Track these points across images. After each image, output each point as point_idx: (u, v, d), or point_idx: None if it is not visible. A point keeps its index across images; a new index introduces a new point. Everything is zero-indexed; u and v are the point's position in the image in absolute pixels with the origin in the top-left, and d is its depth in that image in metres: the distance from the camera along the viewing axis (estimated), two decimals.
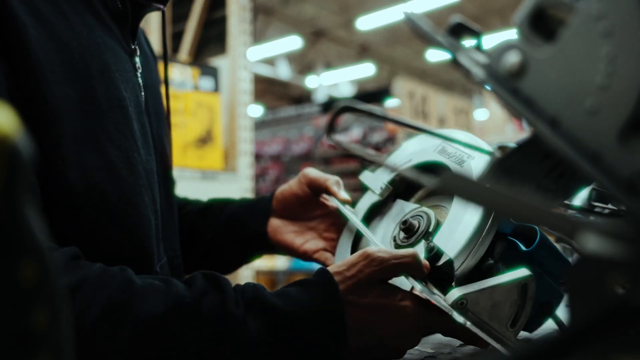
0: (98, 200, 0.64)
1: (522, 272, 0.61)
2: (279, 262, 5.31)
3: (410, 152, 0.80)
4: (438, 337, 0.85)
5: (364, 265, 0.62)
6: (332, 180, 0.86)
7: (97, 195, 0.64)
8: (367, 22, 9.78)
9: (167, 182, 0.84)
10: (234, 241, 0.93)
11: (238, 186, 2.60)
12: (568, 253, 1.18)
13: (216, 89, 2.61)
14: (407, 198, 0.81)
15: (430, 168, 0.75)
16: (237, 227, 0.93)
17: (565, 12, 0.35)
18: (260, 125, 6.87)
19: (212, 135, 2.58)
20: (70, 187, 0.62)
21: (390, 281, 0.64)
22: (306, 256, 0.88)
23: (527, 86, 0.36)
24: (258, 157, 6.62)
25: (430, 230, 0.69)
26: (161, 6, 0.80)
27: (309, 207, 0.89)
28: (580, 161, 0.33)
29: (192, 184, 2.34)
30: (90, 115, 0.65)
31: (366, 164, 0.78)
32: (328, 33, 10.85)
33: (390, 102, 6.02)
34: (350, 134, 5.96)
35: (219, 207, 0.96)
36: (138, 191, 0.69)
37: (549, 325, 0.73)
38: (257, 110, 11.54)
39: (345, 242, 0.83)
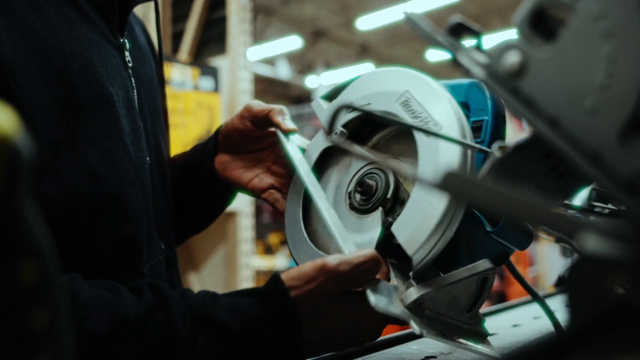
0: (74, 204, 0.62)
1: (483, 265, 0.59)
2: (278, 262, 5.31)
3: (370, 92, 0.71)
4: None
5: (324, 280, 0.58)
6: (275, 110, 0.78)
7: (73, 199, 0.62)
8: (367, 22, 9.77)
9: (164, 178, 0.81)
10: (194, 188, 0.88)
11: None
12: (568, 253, 1.17)
13: (216, 89, 2.61)
14: (361, 140, 0.73)
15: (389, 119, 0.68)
16: (194, 171, 0.88)
17: (565, 12, 0.35)
18: None
19: None
20: (42, 192, 0.60)
21: None
22: (255, 194, 0.83)
23: (527, 86, 0.36)
24: None
25: (389, 196, 0.65)
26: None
27: (255, 139, 0.82)
28: (580, 161, 0.33)
29: None
30: (68, 116, 0.63)
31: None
32: (328, 33, 10.85)
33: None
34: None
35: (179, 158, 0.92)
36: (123, 190, 0.66)
37: (550, 325, 0.73)
38: None
39: (295, 196, 0.76)
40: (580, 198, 0.76)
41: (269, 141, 0.82)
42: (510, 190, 0.30)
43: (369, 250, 0.59)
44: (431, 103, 0.62)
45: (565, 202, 0.65)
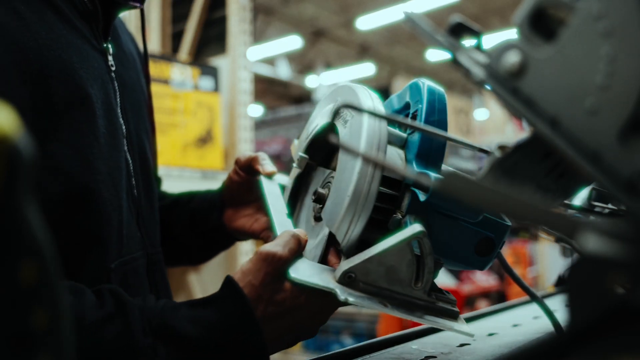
0: (44, 201, 0.62)
1: (411, 230, 0.58)
2: None
3: (316, 116, 0.77)
4: (438, 337, 0.85)
5: (267, 265, 0.61)
6: (255, 158, 0.87)
7: (42, 195, 0.63)
8: (367, 22, 9.77)
9: (148, 179, 0.84)
10: (198, 235, 0.96)
11: None
12: (568, 253, 1.18)
13: (216, 88, 2.61)
14: (327, 164, 0.78)
15: (330, 130, 0.72)
16: (200, 222, 0.95)
17: (565, 12, 0.35)
18: (260, 125, 6.86)
19: (212, 135, 2.58)
20: None
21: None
22: (255, 235, 0.90)
23: (527, 86, 0.36)
24: None
25: None
26: (138, 4, 0.79)
27: (251, 189, 0.90)
28: (580, 161, 0.33)
29: (192, 184, 2.34)
30: (42, 116, 0.64)
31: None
32: (328, 33, 10.85)
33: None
34: None
35: (185, 202, 0.98)
36: (92, 186, 0.67)
37: (548, 326, 0.73)
38: (257, 110, 11.54)
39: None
40: (580, 198, 0.76)
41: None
42: (510, 190, 0.30)
43: (290, 230, 0.64)
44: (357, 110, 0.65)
45: (565, 202, 0.65)
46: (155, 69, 2.31)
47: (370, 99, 0.65)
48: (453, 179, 0.31)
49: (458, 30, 0.40)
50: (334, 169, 0.69)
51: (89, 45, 0.73)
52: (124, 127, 0.77)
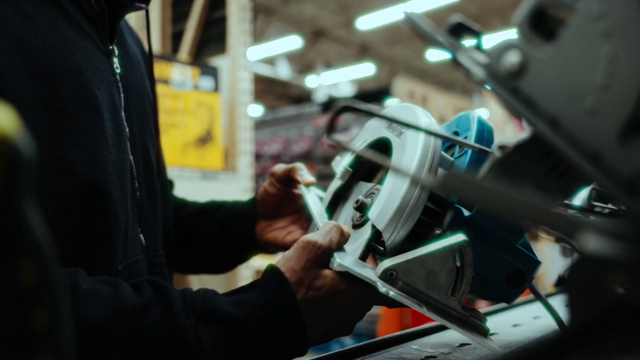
0: (53, 200, 0.63)
1: (456, 238, 0.59)
2: None
3: (367, 131, 0.80)
4: (438, 337, 0.85)
5: (307, 252, 0.63)
6: (296, 167, 0.88)
7: (51, 195, 0.63)
8: (367, 22, 9.77)
9: (150, 181, 0.84)
10: (228, 243, 0.96)
11: (238, 186, 2.60)
12: (568, 253, 1.18)
13: (216, 88, 2.61)
14: (370, 179, 0.81)
15: (382, 144, 0.74)
16: (231, 231, 0.96)
17: (565, 12, 0.35)
18: (260, 125, 6.86)
19: (212, 135, 2.58)
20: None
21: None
22: (287, 248, 0.87)
23: (527, 86, 0.36)
24: (258, 156, 6.61)
25: None
26: (143, 5, 0.79)
27: (287, 202, 0.92)
28: (580, 161, 0.33)
29: (192, 184, 2.34)
30: (53, 116, 0.64)
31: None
32: (328, 33, 10.85)
33: (390, 102, 6.02)
34: (350, 134, 5.96)
35: (213, 211, 0.99)
36: (104, 187, 0.68)
37: (550, 325, 0.73)
38: (257, 110, 11.54)
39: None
40: (580, 198, 0.76)
41: (300, 202, 0.92)
42: (510, 190, 0.30)
43: (333, 222, 0.67)
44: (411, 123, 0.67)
45: (565, 202, 0.65)
46: (155, 69, 2.31)
47: (428, 118, 0.69)
48: (453, 178, 0.31)
49: (458, 30, 0.40)
50: (377, 183, 0.73)
51: (95, 47, 0.73)
52: (127, 129, 0.77)
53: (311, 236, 0.64)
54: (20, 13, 0.65)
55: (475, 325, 0.62)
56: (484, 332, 0.63)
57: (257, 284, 0.62)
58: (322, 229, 0.65)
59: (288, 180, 0.90)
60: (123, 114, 0.77)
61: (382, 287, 0.59)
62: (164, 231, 0.89)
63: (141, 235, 0.79)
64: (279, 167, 0.90)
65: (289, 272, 0.62)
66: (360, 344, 0.79)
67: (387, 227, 0.63)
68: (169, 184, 1.04)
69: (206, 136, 2.57)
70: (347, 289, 0.63)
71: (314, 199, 0.82)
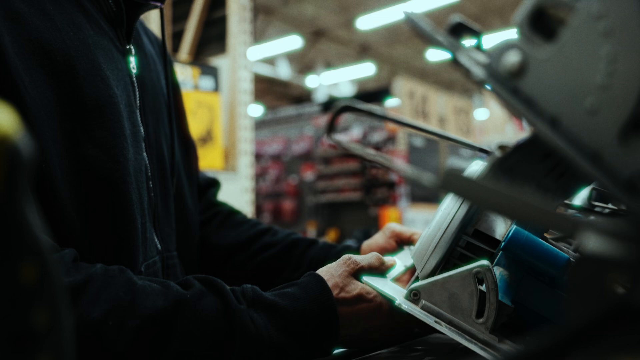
0: (77, 203, 0.65)
1: (478, 262, 0.61)
2: None
3: (405, 255, 0.85)
4: (438, 337, 0.85)
5: (345, 265, 0.71)
6: (415, 235, 0.93)
7: (75, 198, 0.65)
8: (367, 22, 9.77)
9: (164, 182, 0.84)
10: None
11: (238, 186, 2.60)
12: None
13: (216, 88, 2.61)
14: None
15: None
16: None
17: (565, 12, 0.35)
18: (260, 124, 6.86)
19: (212, 135, 2.58)
20: (56, 190, 0.63)
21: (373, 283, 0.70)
22: None
23: (527, 86, 0.36)
24: (258, 156, 6.61)
25: None
26: (159, 4, 0.80)
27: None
28: (580, 161, 0.33)
29: None
30: (72, 117, 0.65)
31: (367, 164, 0.80)
32: (328, 33, 10.85)
33: (390, 102, 6.02)
34: (350, 134, 5.96)
35: (302, 249, 1.00)
36: (124, 189, 0.69)
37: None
38: (257, 110, 11.54)
39: None
40: (580, 198, 0.76)
41: None
42: (510, 190, 0.30)
43: (375, 252, 0.75)
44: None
45: (565, 202, 0.65)
46: None
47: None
48: (453, 178, 0.31)
49: (458, 30, 0.40)
50: None
51: (113, 47, 0.74)
52: (142, 129, 0.78)
53: (353, 255, 0.72)
54: (42, 12, 0.65)
55: (502, 350, 0.62)
56: (512, 357, 0.63)
57: (298, 282, 0.69)
58: (366, 255, 0.74)
59: (403, 241, 0.94)
60: (138, 113, 0.77)
61: (397, 301, 0.65)
62: (184, 235, 0.89)
63: (155, 237, 0.80)
64: (398, 226, 0.95)
65: (327, 276, 0.69)
66: None
67: (417, 257, 0.67)
68: (212, 184, 1.07)
69: (206, 136, 2.57)
70: (374, 297, 0.70)
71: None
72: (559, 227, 0.28)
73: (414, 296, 0.64)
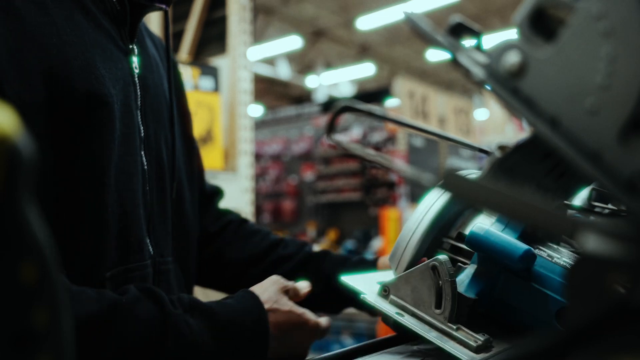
0: (52, 201, 0.64)
1: (435, 257, 0.65)
2: None
3: None
4: None
5: (273, 283, 0.77)
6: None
7: (53, 196, 0.64)
8: (367, 22, 9.77)
9: (162, 186, 0.83)
10: (336, 296, 0.98)
11: (238, 186, 2.60)
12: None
13: (216, 88, 2.61)
14: None
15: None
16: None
17: (565, 12, 0.35)
18: (260, 125, 6.86)
19: (212, 135, 2.58)
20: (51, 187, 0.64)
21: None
22: None
23: (527, 86, 0.36)
24: (258, 156, 6.61)
25: None
26: (163, 6, 0.80)
27: None
28: (580, 161, 0.33)
29: None
30: (63, 113, 0.64)
31: (367, 164, 0.80)
32: (328, 33, 10.85)
33: (390, 102, 6.01)
34: (350, 134, 5.96)
35: (318, 263, 1.01)
36: (99, 191, 0.68)
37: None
38: (257, 110, 11.54)
39: None
40: (580, 198, 0.76)
41: None
42: (510, 190, 0.30)
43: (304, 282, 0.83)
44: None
45: (565, 202, 0.65)
46: None
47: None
48: (452, 178, 0.31)
49: (458, 30, 0.40)
50: None
51: (115, 46, 0.73)
52: (142, 131, 0.77)
53: (281, 277, 0.79)
54: (39, 7, 0.65)
55: (460, 339, 0.64)
56: (473, 348, 0.63)
57: (233, 296, 0.74)
58: (299, 282, 0.82)
59: None
60: (139, 114, 0.77)
61: (362, 294, 0.69)
62: (181, 240, 0.87)
63: (148, 241, 0.78)
64: None
65: (260, 291, 0.75)
66: (360, 344, 0.79)
67: (391, 258, 0.71)
68: (217, 192, 1.07)
69: (206, 136, 2.57)
70: (303, 313, 0.76)
71: None
72: (559, 227, 0.28)
73: (384, 292, 0.69)
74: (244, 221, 1.06)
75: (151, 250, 0.79)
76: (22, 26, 0.63)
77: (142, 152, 0.77)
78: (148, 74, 0.81)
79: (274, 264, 0.99)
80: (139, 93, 0.77)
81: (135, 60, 0.77)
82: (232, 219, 1.05)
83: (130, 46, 0.77)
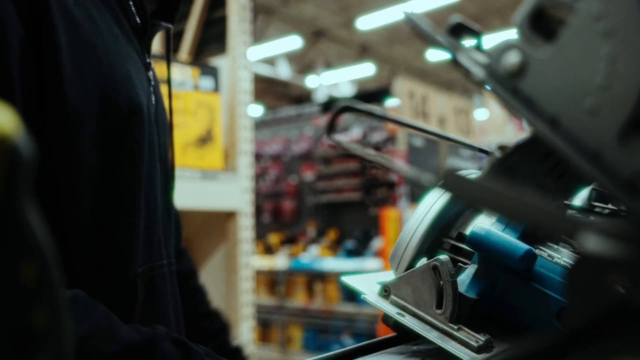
0: (95, 199, 0.69)
1: (436, 257, 0.65)
2: (278, 262, 5.31)
3: None
4: None
5: None
6: None
7: (97, 194, 0.69)
8: (367, 22, 9.77)
9: (168, 191, 0.89)
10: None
11: (238, 186, 2.60)
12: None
13: (216, 88, 2.61)
14: None
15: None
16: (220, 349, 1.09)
17: (565, 12, 0.35)
18: (260, 125, 6.86)
19: (212, 135, 2.57)
20: (77, 184, 0.67)
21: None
22: None
23: (527, 86, 0.36)
24: (258, 156, 6.61)
25: None
26: (170, 25, 0.86)
27: None
28: (580, 161, 0.33)
29: (192, 184, 2.34)
30: (109, 118, 0.70)
31: (367, 164, 0.80)
32: (328, 33, 10.85)
33: (390, 102, 6.01)
34: (350, 134, 5.96)
35: (216, 328, 1.09)
36: (136, 192, 0.73)
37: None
38: (257, 110, 11.54)
39: None
40: (580, 198, 0.76)
41: None
42: (510, 190, 0.30)
43: None
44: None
45: (565, 202, 0.65)
46: (155, 69, 2.31)
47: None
48: (452, 178, 0.31)
49: (458, 30, 0.40)
50: None
51: (139, 59, 0.79)
52: (156, 139, 0.83)
53: None
54: (90, 18, 0.70)
55: (461, 339, 0.64)
56: (474, 348, 0.64)
57: None
58: None
59: None
60: (154, 123, 0.82)
61: (362, 294, 0.69)
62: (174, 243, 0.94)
63: (163, 242, 0.84)
64: None
65: None
66: (360, 344, 0.79)
67: (392, 258, 0.71)
68: (178, 221, 1.10)
69: (206, 136, 2.57)
70: None
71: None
72: (559, 227, 0.28)
73: (385, 292, 0.69)
74: (190, 276, 1.10)
75: (165, 251, 0.84)
76: (79, 33, 0.67)
77: (157, 159, 0.83)
78: (157, 87, 0.88)
79: (196, 335, 1.03)
80: (153, 103, 0.83)
81: (150, 73, 0.84)
82: (183, 269, 1.07)
83: (147, 60, 0.83)
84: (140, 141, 0.74)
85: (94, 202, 0.68)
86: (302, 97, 12.93)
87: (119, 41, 0.73)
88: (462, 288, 0.65)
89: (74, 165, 0.66)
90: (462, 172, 0.70)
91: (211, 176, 2.48)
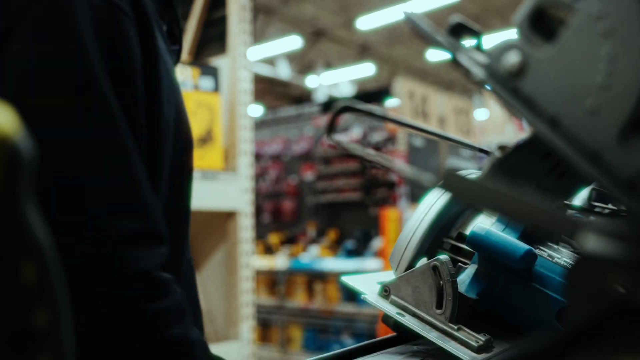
0: (167, 200, 0.79)
1: (436, 257, 0.65)
2: (278, 262, 5.31)
3: None
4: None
5: None
6: None
7: (169, 197, 0.80)
8: (367, 22, 9.77)
9: None
10: None
11: (238, 186, 2.60)
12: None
13: (216, 88, 2.61)
14: None
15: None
16: None
17: (565, 12, 0.35)
18: (260, 125, 6.85)
19: (212, 135, 2.57)
20: (158, 188, 0.77)
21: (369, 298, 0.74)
22: None
23: (527, 86, 0.36)
24: (258, 156, 6.61)
25: None
26: (177, 47, 0.94)
27: None
28: (580, 161, 0.33)
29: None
30: (177, 136, 0.80)
31: (367, 164, 0.81)
32: (328, 33, 10.85)
33: (390, 102, 6.01)
34: (350, 134, 5.95)
35: None
36: (185, 189, 0.85)
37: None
38: (257, 110, 11.54)
39: None
40: (580, 198, 0.76)
41: None
42: (510, 190, 0.30)
43: None
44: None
45: (565, 202, 0.65)
46: None
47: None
48: (452, 178, 0.31)
49: (458, 30, 0.40)
50: None
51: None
52: None
53: None
54: (168, 50, 0.80)
55: (461, 339, 0.64)
56: (474, 348, 0.64)
57: None
58: None
59: None
60: None
61: (363, 294, 0.70)
62: None
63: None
64: None
65: None
66: (360, 344, 0.79)
67: (392, 258, 0.71)
68: None
69: (206, 136, 2.57)
70: None
71: None
72: (559, 227, 0.28)
73: (385, 292, 0.69)
74: None
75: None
76: (165, 63, 0.76)
77: None
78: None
79: None
80: None
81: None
82: None
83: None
84: (190, 154, 0.86)
85: (166, 203, 0.78)
86: (302, 97, 12.93)
87: (174, 74, 0.83)
88: (462, 288, 0.65)
89: (159, 173, 0.76)
90: (462, 172, 0.70)
91: (211, 176, 2.48)
